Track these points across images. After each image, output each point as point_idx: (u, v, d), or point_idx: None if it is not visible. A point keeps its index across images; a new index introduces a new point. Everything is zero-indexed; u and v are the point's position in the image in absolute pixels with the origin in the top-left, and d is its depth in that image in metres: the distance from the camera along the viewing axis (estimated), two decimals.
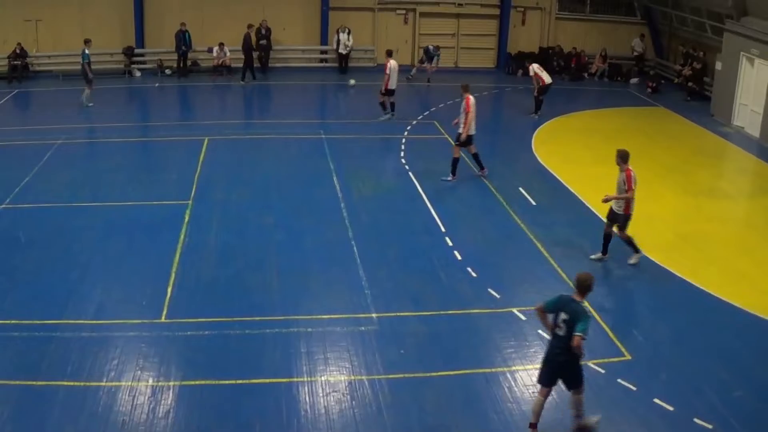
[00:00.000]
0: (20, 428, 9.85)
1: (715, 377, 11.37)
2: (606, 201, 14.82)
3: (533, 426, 10.08)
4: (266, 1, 32.92)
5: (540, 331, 12.40)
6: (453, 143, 20.05)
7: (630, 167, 14.51)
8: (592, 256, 15.22)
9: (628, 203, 14.65)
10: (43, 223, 16.50)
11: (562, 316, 9.63)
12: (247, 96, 30.23)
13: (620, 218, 14.81)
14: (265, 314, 12.85)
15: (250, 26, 30.96)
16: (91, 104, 26.28)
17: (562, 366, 9.80)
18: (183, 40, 31.27)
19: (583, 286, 9.83)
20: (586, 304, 9.86)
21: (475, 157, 19.87)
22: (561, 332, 9.63)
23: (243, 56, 30.84)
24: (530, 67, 27.09)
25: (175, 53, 31.65)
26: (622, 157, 14.57)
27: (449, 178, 19.54)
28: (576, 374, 9.87)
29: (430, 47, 32.33)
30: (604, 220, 15.21)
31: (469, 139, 19.45)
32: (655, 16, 34.93)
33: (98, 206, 17.52)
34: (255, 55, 31.86)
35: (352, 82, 30.94)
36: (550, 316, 9.83)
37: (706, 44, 30.43)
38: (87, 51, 25.93)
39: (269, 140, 23.58)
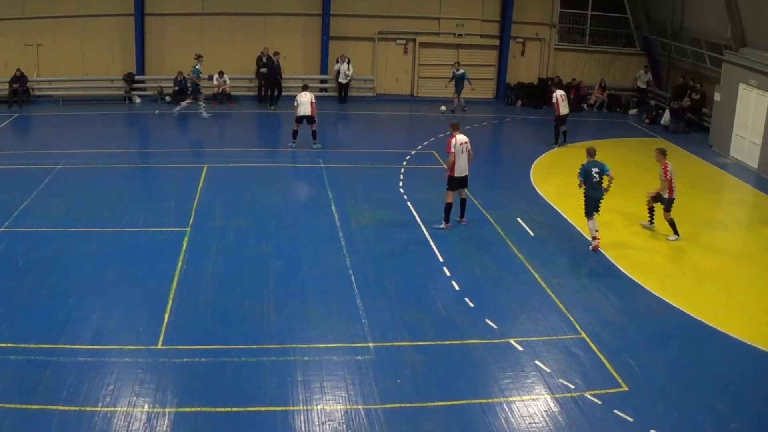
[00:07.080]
0: None
1: (711, 408, 11.33)
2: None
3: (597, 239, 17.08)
4: (267, 29, 33.19)
5: (537, 362, 12.42)
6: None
7: (667, 162, 17.79)
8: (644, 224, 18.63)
9: (671, 188, 17.70)
10: (42, 247, 16.50)
11: (595, 170, 16.84)
12: (246, 124, 30.36)
13: (665, 201, 17.86)
14: (262, 342, 12.83)
15: (276, 53, 31.61)
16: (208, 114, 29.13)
17: (601, 198, 16.83)
18: (178, 83, 31.70)
19: (594, 152, 17.25)
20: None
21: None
22: (597, 179, 16.82)
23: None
24: (554, 94, 27.14)
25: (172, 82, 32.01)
26: (662, 153, 17.98)
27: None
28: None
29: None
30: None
31: None
32: (654, 48, 35.17)
33: (96, 231, 17.54)
34: (255, 83, 32.21)
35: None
36: (581, 178, 17.04)
37: (705, 75, 30.62)
38: (198, 66, 28.61)
39: (268, 168, 23.67)
